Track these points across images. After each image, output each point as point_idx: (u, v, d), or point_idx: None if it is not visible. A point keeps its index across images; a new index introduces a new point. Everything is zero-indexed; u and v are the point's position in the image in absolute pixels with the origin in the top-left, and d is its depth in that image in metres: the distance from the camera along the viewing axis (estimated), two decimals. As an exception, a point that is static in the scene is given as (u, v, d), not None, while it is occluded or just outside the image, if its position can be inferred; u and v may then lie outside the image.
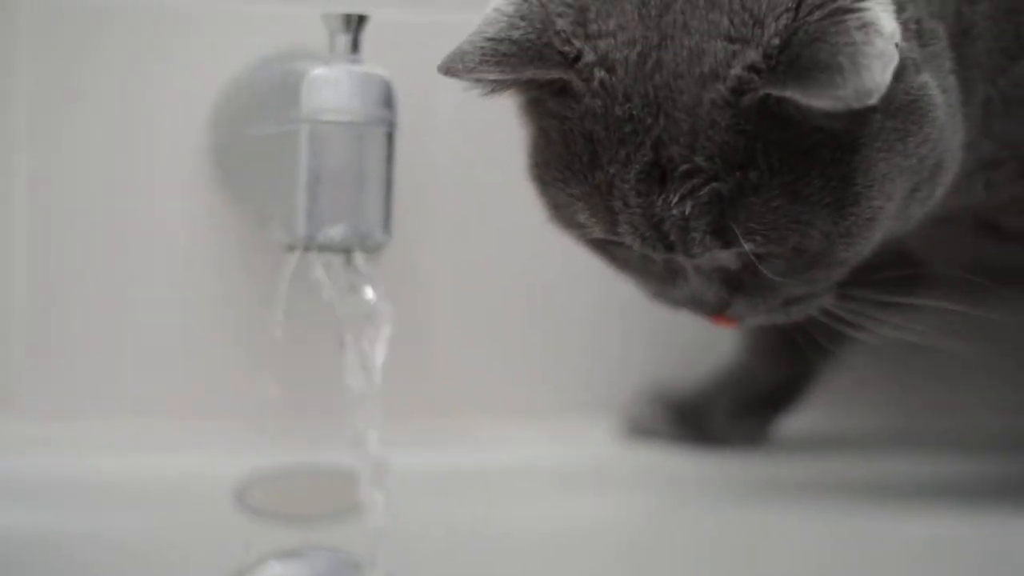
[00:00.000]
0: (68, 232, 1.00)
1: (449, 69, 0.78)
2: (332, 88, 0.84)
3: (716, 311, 0.83)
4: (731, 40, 0.75)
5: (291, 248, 0.85)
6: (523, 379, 1.08)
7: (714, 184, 0.76)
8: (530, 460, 1.01)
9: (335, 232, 0.84)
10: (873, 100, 0.72)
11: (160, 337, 1.02)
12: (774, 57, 0.75)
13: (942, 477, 1.03)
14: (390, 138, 0.85)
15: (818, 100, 0.73)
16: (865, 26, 0.73)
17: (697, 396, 1.07)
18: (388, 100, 0.85)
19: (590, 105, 0.78)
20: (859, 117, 0.76)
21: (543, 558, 0.95)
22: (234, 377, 1.01)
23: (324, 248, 0.85)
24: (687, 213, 0.77)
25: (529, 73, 0.78)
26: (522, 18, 0.78)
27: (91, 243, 1.00)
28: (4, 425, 0.98)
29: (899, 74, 0.75)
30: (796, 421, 1.07)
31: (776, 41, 0.75)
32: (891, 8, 0.75)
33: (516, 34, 0.78)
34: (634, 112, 0.77)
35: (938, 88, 0.80)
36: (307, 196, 0.84)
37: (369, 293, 0.85)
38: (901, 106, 0.78)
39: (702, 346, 1.05)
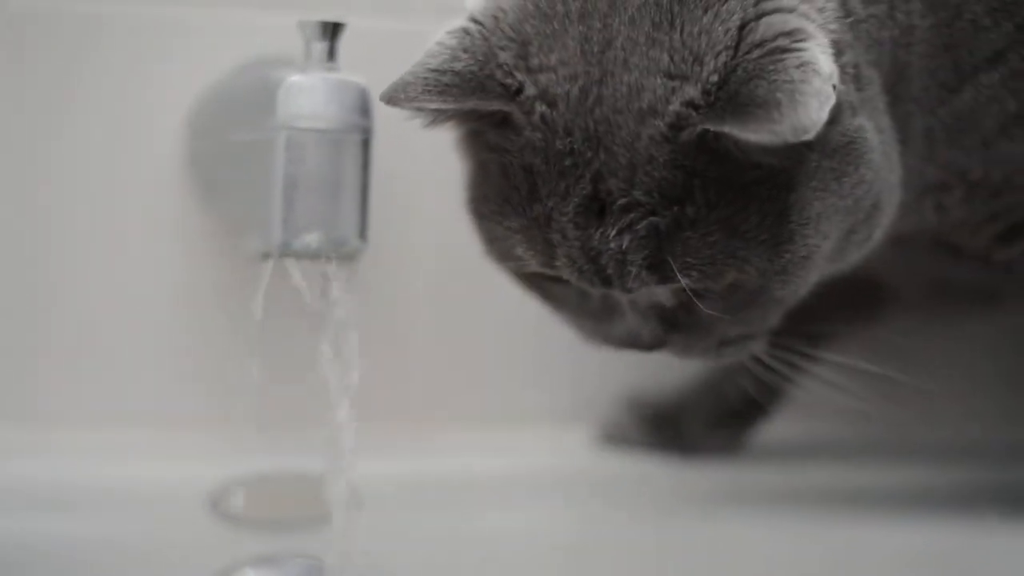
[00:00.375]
0: (45, 240, 1.00)
1: (391, 99, 0.78)
2: (308, 95, 0.84)
3: (651, 349, 0.83)
4: (670, 76, 0.76)
5: (267, 255, 0.85)
6: (499, 387, 1.08)
7: (652, 218, 0.76)
8: (505, 468, 1.01)
9: (311, 239, 0.84)
10: (810, 135, 0.73)
11: (137, 344, 1.02)
12: (712, 93, 0.75)
13: (917, 486, 1.03)
14: (366, 145, 0.85)
15: (755, 135, 0.73)
16: (803, 65, 0.74)
17: (673, 404, 1.07)
18: (364, 107, 0.85)
19: (530, 138, 0.78)
20: (796, 155, 0.76)
21: (517, 566, 0.95)
22: (211, 384, 1.01)
23: (300, 255, 0.85)
24: (624, 247, 0.77)
25: (471, 104, 0.78)
26: (465, 50, 0.79)
27: (67, 251, 1.01)
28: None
29: (836, 116, 0.76)
30: (771, 430, 1.08)
31: (715, 78, 0.75)
32: (829, 51, 0.76)
33: (458, 66, 0.78)
34: (574, 146, 0.77)
35: (874, 130, 0.80)
36: (283, 203, 0.84)
37: (345, 300, 0.85)
38: (837, 147, 0.78)
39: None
